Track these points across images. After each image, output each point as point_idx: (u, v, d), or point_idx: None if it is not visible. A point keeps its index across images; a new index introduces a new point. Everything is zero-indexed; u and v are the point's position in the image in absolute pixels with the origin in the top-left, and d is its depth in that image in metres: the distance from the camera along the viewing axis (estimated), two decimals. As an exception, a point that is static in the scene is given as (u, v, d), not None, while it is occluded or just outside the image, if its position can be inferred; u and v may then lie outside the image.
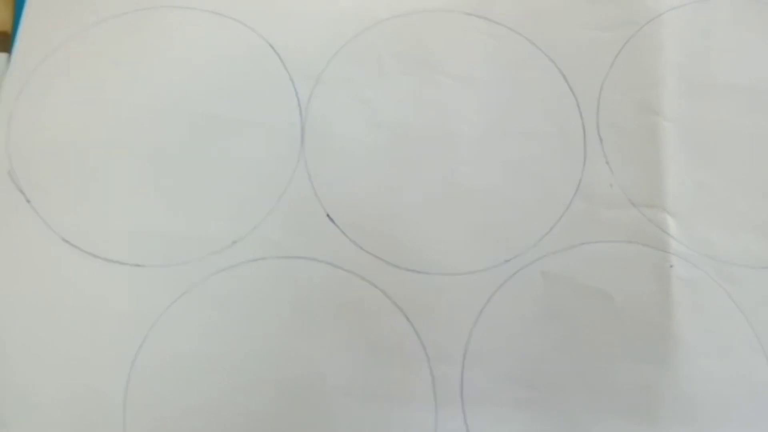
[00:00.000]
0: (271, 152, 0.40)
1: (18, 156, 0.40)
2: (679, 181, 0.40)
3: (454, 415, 0.37)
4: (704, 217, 0.39)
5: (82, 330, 0.37)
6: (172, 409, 0.37)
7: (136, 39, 0.42)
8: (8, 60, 0.42)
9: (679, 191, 0.40)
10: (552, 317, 0.38)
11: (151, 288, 0.38)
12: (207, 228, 0.39)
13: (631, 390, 0.37)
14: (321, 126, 0.41)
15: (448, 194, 0.40)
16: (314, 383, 0.37)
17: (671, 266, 0.38)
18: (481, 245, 0.39)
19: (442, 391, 0.37)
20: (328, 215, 0.40)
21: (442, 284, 0.39)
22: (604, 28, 0.42)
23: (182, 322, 0.38)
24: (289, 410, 0.37)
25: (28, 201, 0.39)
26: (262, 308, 0.38)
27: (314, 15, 0.43)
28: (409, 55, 0.42)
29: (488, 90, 0.42)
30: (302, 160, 0.40)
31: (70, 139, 0.40)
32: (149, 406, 0.36)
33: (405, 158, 0.41)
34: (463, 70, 0.42)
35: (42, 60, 0.42)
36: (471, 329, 0.38)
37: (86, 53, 0.42)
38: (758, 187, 0.40)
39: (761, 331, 0.37)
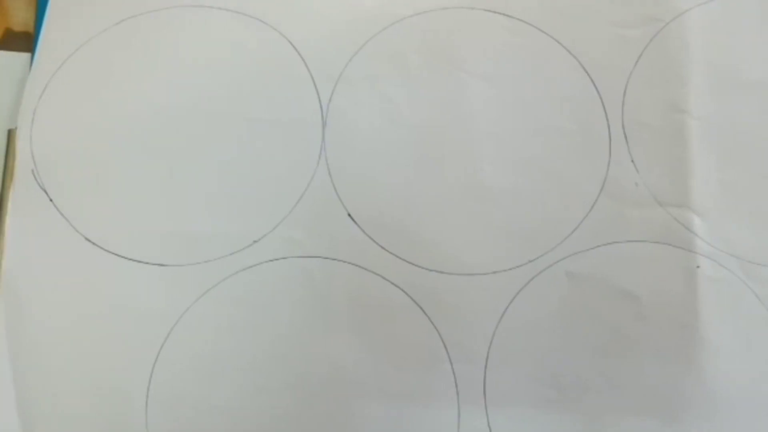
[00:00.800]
0: (291, 151, 0.40)
1: (41, 155, 0.40)
2: (705, 180, 0.39)
3: (477, 415, 0.36)
4: (731, 216, 0.39)
5: (105, 329, 0.37)
6: (194, 407, 0.37)
7: (158, 38, 0.42)
8: (31, 60, 0.42)
9: (706, 190, 0.39)
10: (576, 317, 0.38)
11: (173, 287, 0.38)
12: (228, 227, 0.39)
13: (656, 390, 0.36)
14: (342, 125, 0.41)
15: (470, 193, 0.40)
16: (335, 383, 0.37)
17: (698, 266, 0.38)
18: (505, 245, 0.39)
19: (465, 391, 0.37)
20: (349, 215, 0.39)
21: (465, 284, 0.38)
22: (628, 25, 0.42)
23: (204, 321, 0.38)
24: (309, 410, 0.37)
25: (51, 200, 0.39)
26: (282, 308, 0.38)
27: (335, 13, 0.43)
28: (430, 53, 0.42)
29: (511, 88, 0.41)
30: (323, 159, 0.40)
31: (92, 138, 0.40)
32: (171, 404, 0.36)
33: (427, 157, 0.40)
34: (485, 67, 0.42)
35: (64, 60, 0.42)
36: (494, 330, 0.38)
37: (108, 53, 0.42)
38: (786, 186, 0.39)
39: (790, 332, 0.37)
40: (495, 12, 0.42)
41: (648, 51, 0.41)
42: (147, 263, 0.38)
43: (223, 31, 0.42)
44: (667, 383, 0.36)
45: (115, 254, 0.38)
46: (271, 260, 0.39)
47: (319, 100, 0.41)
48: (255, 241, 0.39)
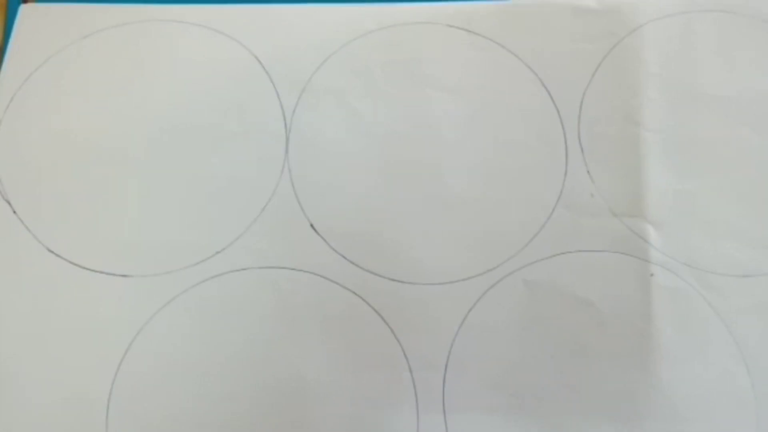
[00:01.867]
0: (255, 163, 0.41)
1: (5, 167, 0.40)
2: (659, 191, 0.40)
3: (436, 422, 0.37)
4: (684, 226, 0.40)
5: (67, 338, 0.38)
6: (155, 414, 0.37)
7: (126, 52, 0.43)
8: (-3, 72, 0.42)
9: (660, 201, 0.40)
10: (534, 325, 0.38)
11: (136, 297, 0.38)
12: (191, 238, 0.39)
13: (612, 395, 0.37)
14: (306, 136, 0.42)
15: (432, 204, 0.40)
16: (297, 391, 0.37)
17: (652, 275, 0.39)
18: (465, 254, 0.40)
19: (424, 398, 0.37)
20: (311, 225, 0.40)
21: (425, 293, 0.39)
22: (585, 40, 0.43)
23: (167, 330, 0.38)
24: (271, 418, 0.37)
25: (14, 212, 0.39)
26: (245, 317, 0.38)
27: (300, 27, 0.43)
28: (394, 66, 0.43)
29: (472, 101, 0.42)
30: (286, 170, 0.41)
31: (57, 151, 0.41)
32: (132, 411, 0.37)
33: (389, 169, 0.41)
34: (447, 81, 0.43)
35: (31, 73, 0.42)
36: (453, 338, 0.38)
37: (76, 66, 0.43)
38: (738, 196, 0.40)
39: (740, 338, 0.38)
40: (457, 27, 0.43)
41: (604, 65, 0.42)
42: (110, 274, 0.39)
43: (188, 44, 0.43)
44: (623, 389, 0.37)
45: (79, 265, 0.39)
46: (233, 271, 0.39)
47: (283, 113, 0.42)
48: (218, 252, 0.39)
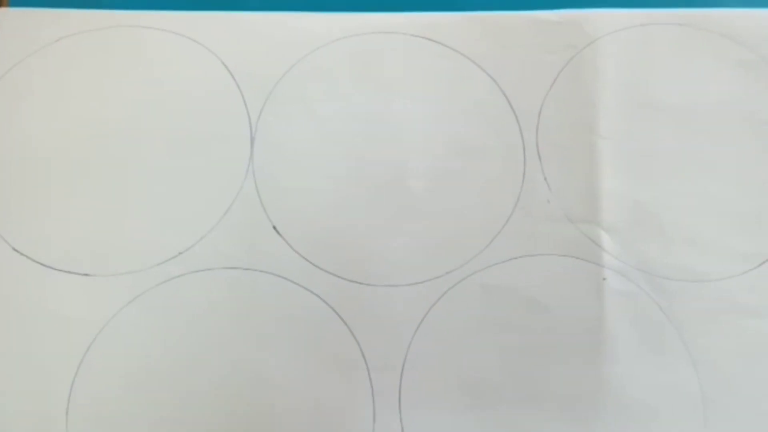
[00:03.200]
0: (220, 166, 0.42)
1: (-29, 167, 0.41)
2: (614, 197, 0.41)
3: (391, 422, 0.37)
4: (637, 232, 0.41)
5: (30, 335, 0.38)
6: (115, 413, 0.37)
7: (95, 57, 0.44)
8: (-33, 74, 0.43)
9: (614, 207, 0.41)
10: (490, 326, 0.39)
11: (98, 297, 0.39)
12: (154, 239, 0.40)
13: (565, 395, 0.38)
14: (271, 141, 0.42)
15: (393, 208, 0.41)
16: (256, 391, 0.38)
17: (604, 279, 0.40)
18: (424, 257, 0.40)
19: (381, 397, 0.38)
20: (274, 227, 0.41)
21: (385, 295, 0.40)
22: (545, 51, 0.44)
23: (128, 329, 0.39)
24: (230, 417, 0.37)
25: (-21, 210, 0.40)
26: (206, 318, 0.39)
27: (268, 34, 0.44)
28: (358, 74, 0.44)
29: (434, 108, 0.43)
30: (251, 173, 0.42)
31: (22, 151, 0.41)
32: (92, 409, 0.37)
33: (352, 173, 0.42)
34: (410, 88, 0.44)
35: (3, 74, 0.43)
36: (411, 339, 0.39)
37: (45, 69, 0.43)
38: (690, 204, 0.41)
39: (690, 341, 0.39)
40: (420, 37, 0.45)
41: (562, 75, 0.43)
42: (73, 273, 0.39)
43: (158, 50, 0.44)
44: (575, 389, 0.38)
45: (42, 264, 0.39)
46: (196, 271, 0.40)
47: (249, 117, 0.43)
48: (181, 253, 0.40)
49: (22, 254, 0.39)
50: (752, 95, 0.43)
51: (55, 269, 0.39)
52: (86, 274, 0.39)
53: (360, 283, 0.40)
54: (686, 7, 0.45)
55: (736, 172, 0.42)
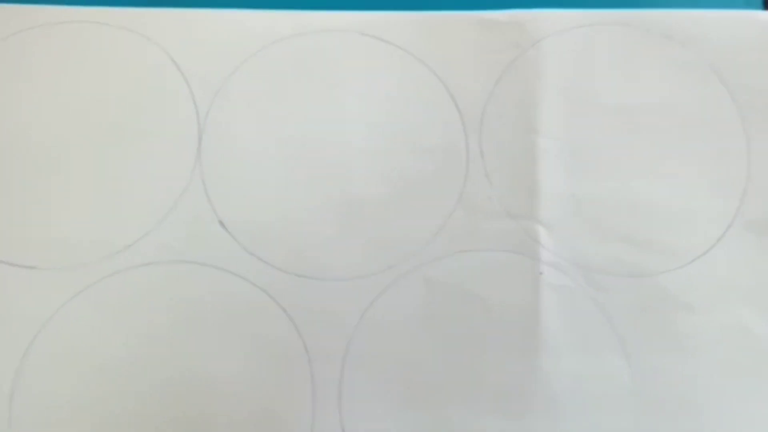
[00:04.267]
0: (167, 161, 0.42)
1: None
2: (552, 194, 0.42)
3: (330, 414, 0.38)
4: (574, 228, 0.42)
5: (-27, 329, 0.38)
6: (59, 407, 0.38)
7: (43, 52, 0.44)
8: None
9: (552, 204, 0.42)
10: (431, 321, 0.40)
11: (43, 290, 0.39)
12: (101, 232, 0.41)
13: (501, 390, 0.39)
14: (219, 137, 0.43)
15: (338, 203, 0.42)
16: (199, 385, 0.39)
17: (541, 273, 0.41)
18: (367, 252, 0.41)
19: (321, 391, 0.39)
20: (220, 222, 0.41)
21: (328, 289, 0.41)
22: (490, 50, 0.45)
23: (73, 323, 0.39)
24: (173, 411, 0.38)
25: (-76, 204, 0.40)
26: (152, 311, 0.40)
27: (218, 31, 0.45)
28: (307, 71, 0.45)
29: (381, 106, 0.44)
30: (198, 168, 0.42)
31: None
32: (35, 404, 0.38)
33: (300, 169, 0.43)
34: (358, 87, 0.44)
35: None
36: (353, 331, 0.40)
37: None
38: (627, 202, 0.42)
39: (624, 335, 0.40)
40: (368, 35, 0.45)
41: (506, 75, 0.44)
42: (18, 265, 0.40)
43: (106, 45, 0.44)
44: (509, 383, 0.39)
45: (-13, 257, 0.40)
46: (142, 265, 0.40)
47: (197, 113, 0.43)
48: (127, 246, 0.41)
49: (-34, 247, 0.40)
50: (691, 96, 0.44)
51: (1, 261, 0.39)
52: (30, 267, 0.40)
53: (305, 277, 0.41)
54: (630, 8, 0.46)
55: (672, 171, 0.43)
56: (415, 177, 0.43)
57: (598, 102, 0.44)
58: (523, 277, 0.41)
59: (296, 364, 0.39)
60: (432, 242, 0.42)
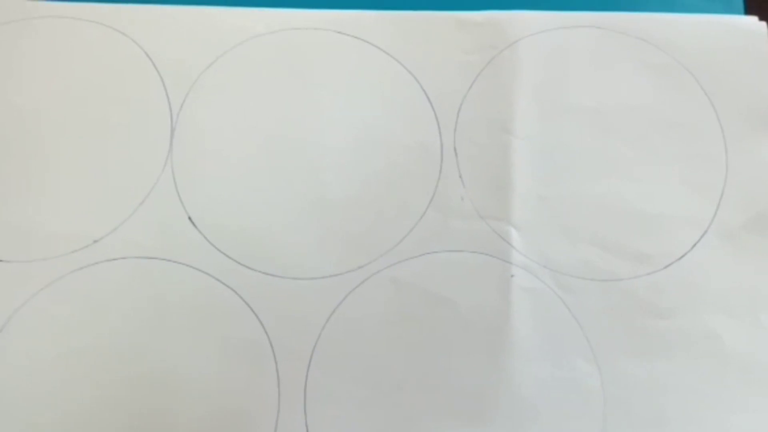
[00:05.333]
0: (138, 156, 0.42)
1: None
2: (524, 196, 0.42)
3: (295, 414, 0.38)
4: (546, 230, 0.41)
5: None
6: (23, 401, 0.38)
7: (15, 46, 0.44)
8: None
9: (524, 205, 0.42)
10: (399, 322, 0.40)
11: (10, 283, 0.39)
12: (69, 226, 0.40)
13: (468, 392, 0.39)
14: (191, 133, 0.43)
15: (309, 202, 0.42)
16: (164, 381, 0.38)
17: (512, 276, 0.40)
18: (337, 251, 0.41)
19: (287, 390, 0.38)
20: (189, 218, 0.41)
21: (296, 287, 0.40)
22: (467, 51, 0.45)
23: (39, 317, 0.39)
24: (138, 407, 0.38)
25: None
26: (119, 306, 0.39)
27: (193, 27, 0.45)
28: (282, 69, 0.44)
29: (356, 104, 0.44)
30: (169, 164, 0.42)
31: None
32: (0, 396, 0.37)
33: (271, 166, 0.42)
34: (333, 85, 0.44)
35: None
36: (320, 331, 0.40)
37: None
38: (598, 205, 0.42)
39: (594, 339, 0.39)
40: (345, 34, 0.45)
41: (482, 75, 0.44)
42: (-14, 259, 0.40)
43: (81, 40, 0.44)
44: (476, 386, 0.39)
45: (-46, 249, 0.40)
46: (110, 260, 0.40)
47: (170, 108, 0.43)
48: (95, 241, 0.40)
49: (-66, 239, 0.40)
50: (665, 98, 0.44)
51: (-33, 254, 0.39)
52: (0, 260, 0.39)
53: (273, 275, 0.40)
54: (606, 10, 0.45)
55: (648, 174, 0.43)
56: (388, 176, 0.42)
57: (573, 104, 0.44)
58: (493, 279, 0.40)
59: (263, 362, 0.39)
60: (402, 243, 0.41)
